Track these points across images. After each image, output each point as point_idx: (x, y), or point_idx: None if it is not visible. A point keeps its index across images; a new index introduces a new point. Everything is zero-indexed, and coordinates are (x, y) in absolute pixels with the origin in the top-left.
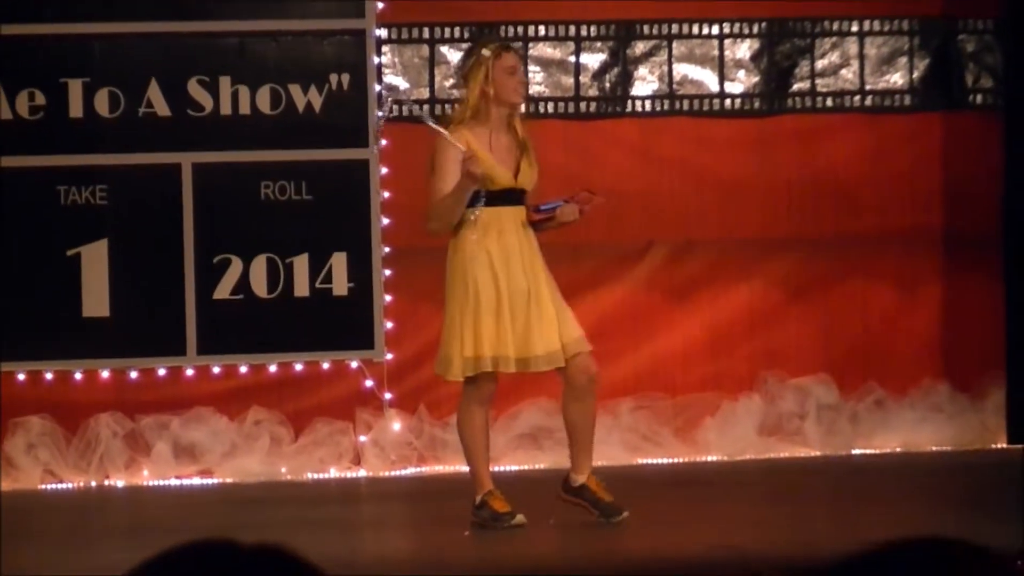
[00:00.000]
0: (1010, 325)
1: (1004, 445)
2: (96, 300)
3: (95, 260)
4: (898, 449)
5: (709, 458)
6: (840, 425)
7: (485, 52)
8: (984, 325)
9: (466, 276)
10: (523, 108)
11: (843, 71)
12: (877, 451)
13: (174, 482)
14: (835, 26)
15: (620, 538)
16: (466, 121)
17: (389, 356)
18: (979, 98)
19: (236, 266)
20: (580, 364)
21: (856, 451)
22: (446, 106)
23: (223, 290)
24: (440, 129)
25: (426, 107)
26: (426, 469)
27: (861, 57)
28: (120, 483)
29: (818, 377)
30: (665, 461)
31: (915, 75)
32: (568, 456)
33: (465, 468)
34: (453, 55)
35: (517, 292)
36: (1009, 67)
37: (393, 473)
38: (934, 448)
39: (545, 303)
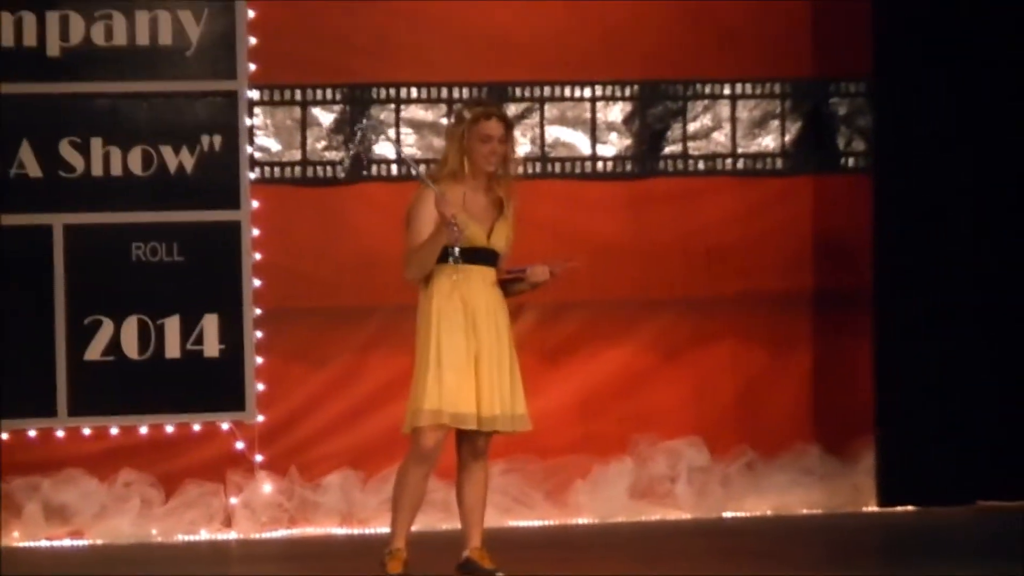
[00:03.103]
0: (879, 387)
1: (875, 508)
2: None
3: None
4: (769, 512)
5: (580, 520)
6: (711, 488)
7: (466, 114)
8: (854, 387)
9: (430, 331)
10: (519, 171)
11: (715, 134)
12: (748, 514)
13: (45, 543)
14: (707, 89)
15: None
16: (442, 179)
17: (260, 418)
18: (851, 161)
19: (107, 327)
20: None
21: (727, 514)
22: (318, 168)
23: (94, 351)
24: (428, 181)
25: (298, 168)
26: (297, 531)
27: (733, 120)
28: None
29: (689, 439)
30: (537, 523)
31: (787, 138)
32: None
33: (335, 530)
34: (325, 117)
35: (482, 351)
36: (880, 129)
37: (264, 535)
38: (805, 511)
39: (506, 366)
